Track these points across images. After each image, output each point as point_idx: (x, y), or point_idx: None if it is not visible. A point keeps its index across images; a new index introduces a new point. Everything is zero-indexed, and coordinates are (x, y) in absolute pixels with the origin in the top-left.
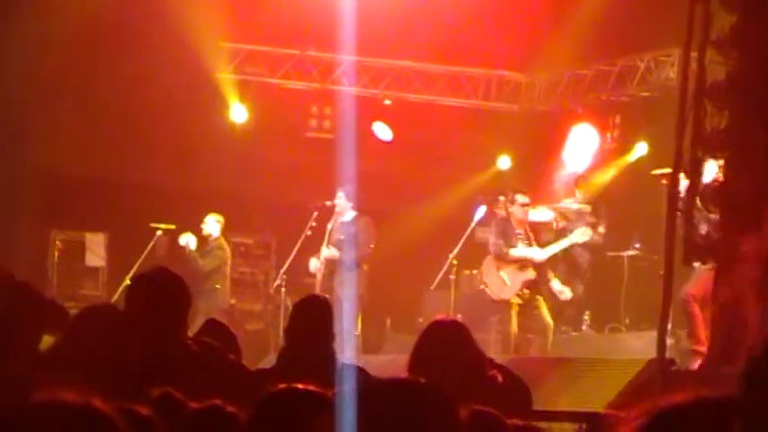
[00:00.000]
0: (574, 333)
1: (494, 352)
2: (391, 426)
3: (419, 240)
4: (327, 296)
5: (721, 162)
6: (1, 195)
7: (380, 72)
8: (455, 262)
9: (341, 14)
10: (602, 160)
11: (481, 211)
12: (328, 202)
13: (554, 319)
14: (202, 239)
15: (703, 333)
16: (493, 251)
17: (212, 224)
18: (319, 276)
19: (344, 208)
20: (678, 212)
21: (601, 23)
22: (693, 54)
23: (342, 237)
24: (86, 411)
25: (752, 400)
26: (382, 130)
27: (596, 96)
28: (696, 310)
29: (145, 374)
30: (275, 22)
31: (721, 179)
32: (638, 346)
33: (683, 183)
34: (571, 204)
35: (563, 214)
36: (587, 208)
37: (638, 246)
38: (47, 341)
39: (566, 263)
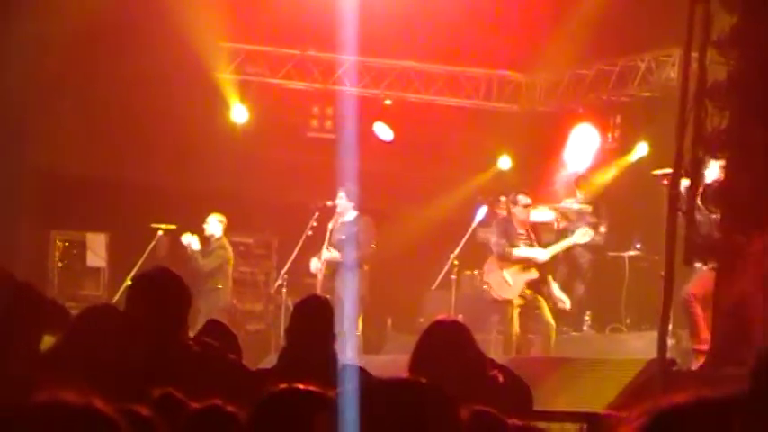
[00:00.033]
0: (574, 333)
1: (495, 352)
2: (392, 426)
3: (420, 240)
4: (328, 296)
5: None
6: (2, 195)
7: (381, 72)
8: (456, 262)
9: (342, 15)
10: (602, 160)
11: (482, 212)
12: (329, 202)
13: (555, 319)
14: (205, 239)
15: (705, 333)
16: (496, 251)
17: (214, 224)
18: (320, 276)
19: (345, 208)
20: (679, 213)
21: (601, 24)
22: (694, 54)
23: (343, 237)
24: (87, 412)
25: (759, 396)
26: (383, 131)
27: (597, 96)
28: (698, 309)
29: (145, 375)
30: (276, 23)
31: (722, 179)
32: (639, 346)
33: (684, 183)
34: (572, 205)
35: (564, 214)
36: (588, 208)
37: (638, 246)
38: (48, 341)
39: (567, 263)
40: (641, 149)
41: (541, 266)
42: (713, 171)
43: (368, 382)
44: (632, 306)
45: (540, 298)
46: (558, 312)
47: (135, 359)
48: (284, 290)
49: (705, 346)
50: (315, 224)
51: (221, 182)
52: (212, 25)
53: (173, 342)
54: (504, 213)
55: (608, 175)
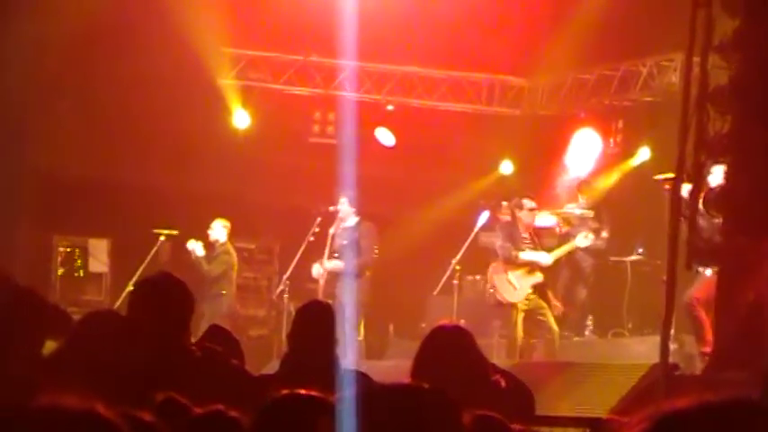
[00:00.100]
0: (577, 338)
1: (497, 357)
2: (395, 431)
3: (422, 245)
4: (330, 302)
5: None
6: (3, 200)
7: (383, 77)
8: (458, 267)
9: (343, 20)
10: (604, 165)
11: (484, 216)
12: (331, 208)
13: (557, 324)
14: (209, 245)
15: (711, 335)
16: (501, 254)
17: (219, 229)
18: (322, 282)
19: (347, 213)
20: (681, 217)
21: (603, 28)
22: (696, 59)
23: (344, 242)
24: (89, 417)
25: None
26: (385, 136)
27: (599, 101)
28: (702, 313)
29: (148, 380)
30: (278, 28)
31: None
32: (642, 350)
33: (686, 187)
34: (574, 209)
35: (566, 219)
36: (590, 213)
37: (641, 251)
38: (50, 346)
39: (569, 268)
40: (643, 154)
41: (544, 270)
42: (717, 176)
43: (370, 387)
44: (634, 311)
45: (544, 303)
46: (560, 317)
47: (137, 364)
48: (286, 295)
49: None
50: (317, 229)
51: (223, 187)
52: (215, 30)
53: (175, 347)
54: (506, 218)
55: (610, 179)
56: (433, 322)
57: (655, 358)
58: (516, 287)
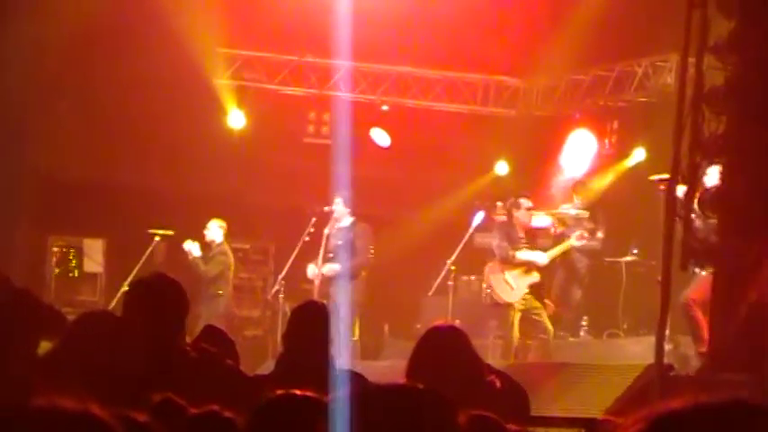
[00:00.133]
0: (572, 338)
1: (493, 357)
2: (390, 431)
3: (417, 246)
4: (325, 302)
5: None
6: None
7: (378, 78)
8: (453, 268)
9: (338, 20)
10: (600, 166)
11: (479, 217)
12: (326, 208)
13: (552, 324)
14: (205, 245)
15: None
16: (498, 254)
17: (215, 230)
18: (317, 282)
19: (342, 214)
20: (676, 218)
21: (598, 29)
22: (691, 59)
23: (339, 242)
24: (84, 418)
25: None
26: (380, 136)
27: (594, 102)
28: (698, 314)
29: (142, 380)
30: (273, 29)
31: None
32: (637, 351)
33: (681, 188)
34: (569, 210)
35: (561, 220)
36: (585, 214)
37: (636, 251)
38: (44, 347)
39: (564, 268)
40: (638, 155)
41: (540, 270)
42: (713, 176)
43: (365, 388)
44: (629, 311)
45: (539, 303)
46: (555, 317)
47: (131, 365)
48: (281, 295)
49: None
50: (312, 230)
51: (218, 187)
52: (210, 31)
53: (170, 348)
54: (503, 218)
55: (605, 180)
56: (428, 323)
57: (650, 359)
58: (513, 287)
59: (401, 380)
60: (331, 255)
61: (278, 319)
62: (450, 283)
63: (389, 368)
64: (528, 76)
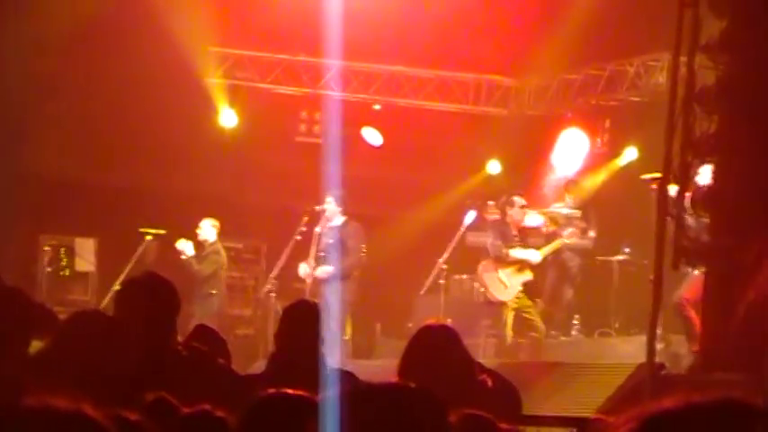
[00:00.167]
0: (563, 338)
1: (485, 356)
2: (381, 430)
3: (409, 245)
4: (317, 301)
5: None
6: None
7: (370, 77)
8: (445, 266)
9: (330, 19)
10: (591, 165)
11: (471, 216)
12: (318, 207)
13: (544, 323)
14: (198, 245)
15: None
16: (492, 252)
17: (208, 229)
18: (309, 281)
19: (333, 213)
20: (668, 217)
21: (590, 28)
22: (683, 59)
23: (331, 241)
24: (76, 417)
25: None
26: (372, 135)
27: (586, 101)
28: (692, 313)
29: (134, 379)
30: (265, 27)
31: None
32: (628, 350)
33: (673, 187)
34: (561, 209)
35: (553, 219)
36: (577, 213)
37: (627, 250)
38: (36, 346)
39: (556, 267)
40: (630, 154)
41: (532, 269)
42: (706, 176)
43: (357, 387)
44: (621, 310)
45: (530, 301)
46: (546, 316)
47: (123, 364)
48: (273, 295)
49: None
50: (303, 229)
51: (210, 186)
52: (201, 30)
53: (161, 347)
54: (496, 216)
55: (597, 179)
56: (419, 322)
57: (641, 358)
58: (507, 285)
59: (393, 379)
60: (322, 253)
61: (269, 318)
62: (441, 281)
63: (381, 367)
64: (520, 75)
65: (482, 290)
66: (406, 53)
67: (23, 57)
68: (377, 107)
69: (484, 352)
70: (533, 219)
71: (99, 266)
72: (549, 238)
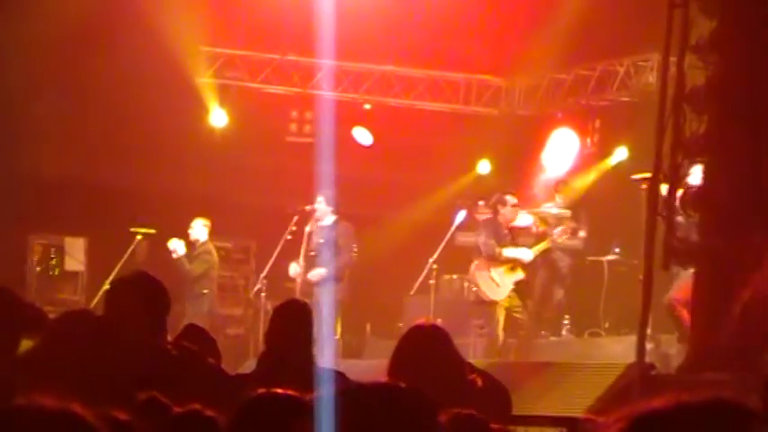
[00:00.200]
0: (553, 338)
1: (475, 355)
2: (371, 430)
3: (399, 245)
4: (308, 301)
5: None
6: None
7: (361, 76)
8: (435, 266)
9: (321, 19)
10: (582, 165)
11: (461, 216)
12: (308, 207)
13: (534, 323)
14: (189, 244)
15: None
16: (485, 251)
17: (200, 228)
18: (299, 281)
19: (324, 212)
20: (658, 217)
21: (580, 28)
22: (673, 59)
23: (321, 240)
24: (65, 417)
25: None
26: (362, 135)
27: (576, 101)
28: (684, 313)
29: (123, 379)
30: (255, 27)
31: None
32: (618, 350)
33: (664, 187)
34: (551, 209)
35: (543, 219)
36: (567, 212)
37: (617, 250)
38: (25, 345)
39: (546, 267)
40: (620, 154)
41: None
42: (696, 176)
43: (347, 386)
44: (611, 310)
45: (520, 301)
46: (536, 316)
47: (113, 363)
48: (263, 294)
49: None
50: (294, 228)
51: (200, 186)
52: (192, 29)
53: (151, 346)
54: (485, 216)
55: (587, 179)
56: (409, 321)
57: (631, 358)
58: (499, 284)
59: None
60: (313, 253)
61: (260, 318)
62: (431, 281)
63: (371, 367)
64: (510, 75)
65: (474, 289)
66: (397, 53)
67: (13, 56)
68: (367, 107)
69: (474, 352)
70: (523, 219)
71: (89, 266)
72: (539, 237)
